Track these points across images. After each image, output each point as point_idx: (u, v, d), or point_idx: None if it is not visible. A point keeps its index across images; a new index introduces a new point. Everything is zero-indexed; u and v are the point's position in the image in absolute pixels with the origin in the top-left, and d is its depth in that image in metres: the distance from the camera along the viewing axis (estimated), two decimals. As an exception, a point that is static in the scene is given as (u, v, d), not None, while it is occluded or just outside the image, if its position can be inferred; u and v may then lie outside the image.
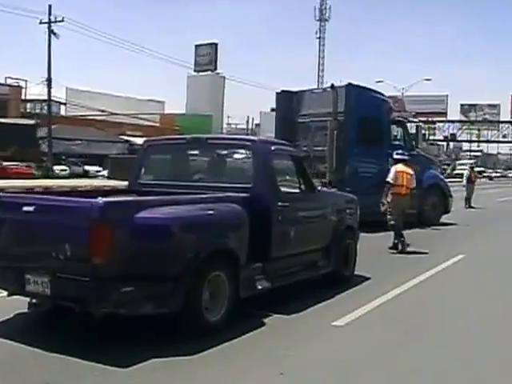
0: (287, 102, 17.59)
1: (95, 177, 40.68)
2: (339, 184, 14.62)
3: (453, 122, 79.79)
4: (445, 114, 78.43)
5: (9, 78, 51.10)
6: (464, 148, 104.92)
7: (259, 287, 6.49)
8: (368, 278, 8.64)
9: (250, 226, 6.27)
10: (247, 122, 72.15)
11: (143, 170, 7.98)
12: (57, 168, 40.51)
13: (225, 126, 73.06)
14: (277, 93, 18.21)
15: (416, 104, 71.82)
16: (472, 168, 28.10)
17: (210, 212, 5.89)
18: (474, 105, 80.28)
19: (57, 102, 49.33)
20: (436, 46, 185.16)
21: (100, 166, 43.02)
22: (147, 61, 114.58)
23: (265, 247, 6.60)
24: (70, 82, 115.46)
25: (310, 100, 17.17)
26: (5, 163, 34.94)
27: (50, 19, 39.44)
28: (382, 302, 7.32)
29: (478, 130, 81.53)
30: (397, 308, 7.23)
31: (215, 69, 66.37)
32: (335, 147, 15.32)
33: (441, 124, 78.63)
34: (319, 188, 8.19)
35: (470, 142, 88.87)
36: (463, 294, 8.19)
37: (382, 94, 17.75)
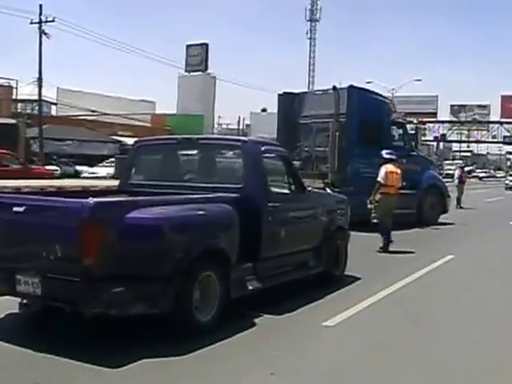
0: (289, 103, 17.88)
1: (91, 178, 40.41)
2: (341, 184, 14.85)
3: (443, 122, 79.97)
4: (435, 114, 78.56)
5: (0, 77, 50.82)
6: (454, 148, 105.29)
7: (250, 287, 6.51)
8: (358, 278, 8.67)
9: (241, 226, 6.28)
10: (238, 122, 72.09)
11: (134, 171, 7.98)
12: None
13: (216, 126, 72.81)
14: (279, 94, 18.48)
15: (406, 104, 71.90)
16: (462, 168, 28.26)
17: (201, 212, 5.90)
18: (464, 105, 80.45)
19: (47, 101, 49.08)
20: (426, 48, 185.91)
21: (91, 166, 42.79)
22: (138, 61, 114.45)
23: (255, 247, 6.62)
24: (61, 82, 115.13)
25: (311, 101, 17.45)
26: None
27: (40, 19, 39.19)
28: (373, 302, 7.36)
29: (468, 130, 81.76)
30: (387, 308, 7.26)
31: (206, 69, 66.20)
32: (337, 148, 15.54)
33: (431, 125, 78.76)
34: (309, 188, 8.20)
35: (460, 142, 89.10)
36: (453, 293, 8.24)
37: (383, 96, 18.05)
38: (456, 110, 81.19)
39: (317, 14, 74.02)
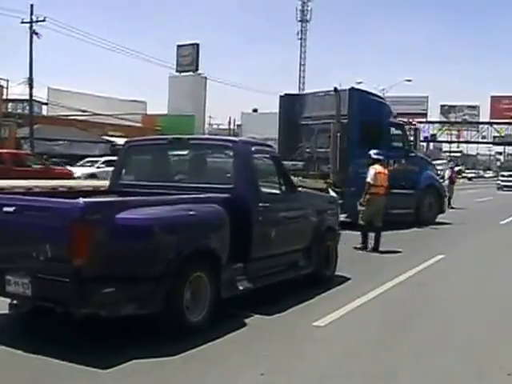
0: (290, 104, 18.12)
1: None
2: (343, 184, 15.00)
3: (433, 122, 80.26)
4: (425, 115, 78.80)
5: (-9, 77, 50.53)
6: (444, 149, 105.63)
7: (241, 288, 6.52)
8: (349, 278, 8.69)
9: (231, 226, 6.29)
10: (229, 122, 72.07)
11: (124, 171, 7.96)
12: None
13: (207, 126, 72.73)
14: (280, 96, 18.69)
15: (397, 105, 72.09)
16: (452, 168, 28.43)
17: (191, 212, 5.90)
18: (454, 106, 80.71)
19: (38, 101, 48.84)
20: (417, 49, 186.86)
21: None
22: (129, 61, 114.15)
23: (246, 248, 6.63)
24: (52, 81, 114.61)
25: (312, 103, 17.62)
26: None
27: (31, 19, 38.99)
28: (363, 302, 7.38)
29: (458, 130, 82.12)
30: (378, 308, 7.29)
31: (197, 69, 66.11)
32: (338, 149, 15.70)
33: (421, 125, 79.02)
34: (300, 189, 8.23)
35: (450, 142, 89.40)
36: (443, 293, 8.28)
37: (382, 98, 18.28)
38: (446, 110, 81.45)
39: (307, 14, 74.11)
